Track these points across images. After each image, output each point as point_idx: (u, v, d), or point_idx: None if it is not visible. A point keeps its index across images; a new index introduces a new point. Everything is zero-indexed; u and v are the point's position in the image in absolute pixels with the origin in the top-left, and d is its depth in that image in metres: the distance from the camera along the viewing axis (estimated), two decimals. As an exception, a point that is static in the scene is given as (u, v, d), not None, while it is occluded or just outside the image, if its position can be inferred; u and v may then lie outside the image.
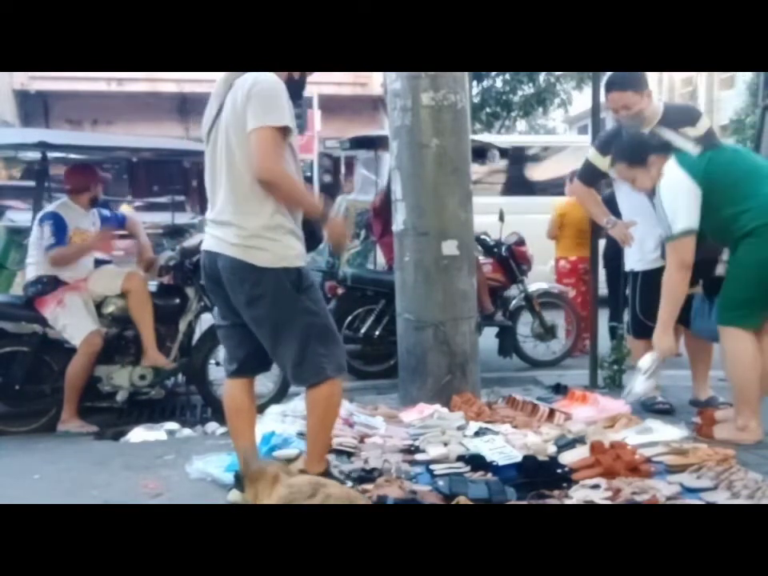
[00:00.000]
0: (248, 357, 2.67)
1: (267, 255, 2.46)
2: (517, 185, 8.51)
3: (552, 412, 3.57)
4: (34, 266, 4.08)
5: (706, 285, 3.55)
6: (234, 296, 2.54)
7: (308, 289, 2.54)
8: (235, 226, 2.47)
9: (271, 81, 2.40)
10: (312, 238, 2.68)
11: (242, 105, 2.39)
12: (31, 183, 5.42)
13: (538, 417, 3.58)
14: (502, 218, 5.71)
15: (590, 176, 4.00)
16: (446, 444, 3.15)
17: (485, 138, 7.86)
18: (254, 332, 2.59)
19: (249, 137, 2.36)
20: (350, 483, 2.78)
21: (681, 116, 3.80)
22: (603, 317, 4.95)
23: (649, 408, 3.81)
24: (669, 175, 3.22)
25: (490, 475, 2.80)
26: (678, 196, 3.18)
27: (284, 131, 2.41)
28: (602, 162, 3.86)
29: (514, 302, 5.69)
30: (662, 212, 3.22)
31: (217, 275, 2.56)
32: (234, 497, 2.64)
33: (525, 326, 5.68)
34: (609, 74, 3.96)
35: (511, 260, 5.60)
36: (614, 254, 4.51)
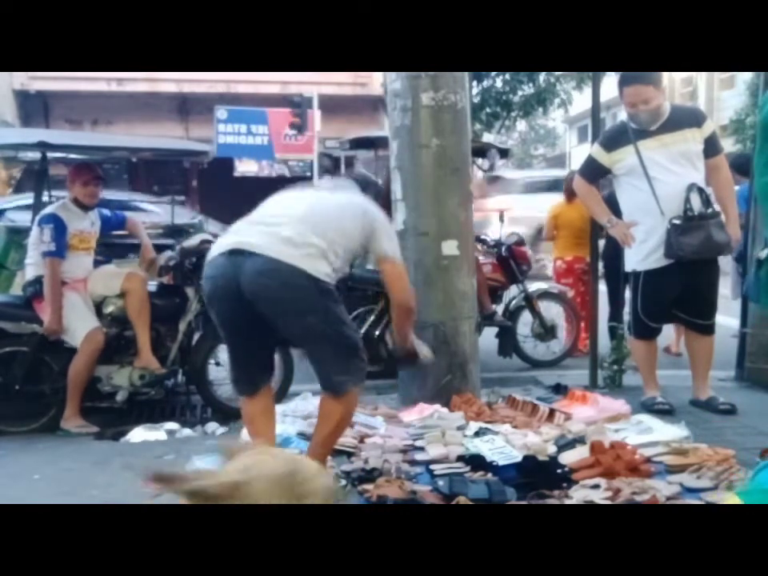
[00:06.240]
0: (263, 371, 2.78)
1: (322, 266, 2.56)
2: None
3: (552, 412, 3.57)
4: (33, 266, 4.08)
5: None
6: (275, 306, 2.53)
7: (339, 302, 2.65)
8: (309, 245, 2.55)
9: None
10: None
11: (361, 220, 2.69)
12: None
13: (538, 417, 3.58)
14: (501, 219, 5.72)
15: (593, 172, 3.98)
16: (446, 444, 3.15)
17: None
18: (296, 340, 2.71)
19: (386, 264, 2.73)
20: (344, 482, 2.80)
21: (687, 117, 3.79)
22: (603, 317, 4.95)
23: (649, 408, 3.81)
24: None
25: (490, 475, 2.80)
26: None
27: None
28: (606, 158, 3.85)
29: (514, 302, 5.69)
30: None
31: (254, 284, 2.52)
32: None
33: (525, 326, 5.68)
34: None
35: (511, 260, 5.61)
36: (614, 253, 4.50)
